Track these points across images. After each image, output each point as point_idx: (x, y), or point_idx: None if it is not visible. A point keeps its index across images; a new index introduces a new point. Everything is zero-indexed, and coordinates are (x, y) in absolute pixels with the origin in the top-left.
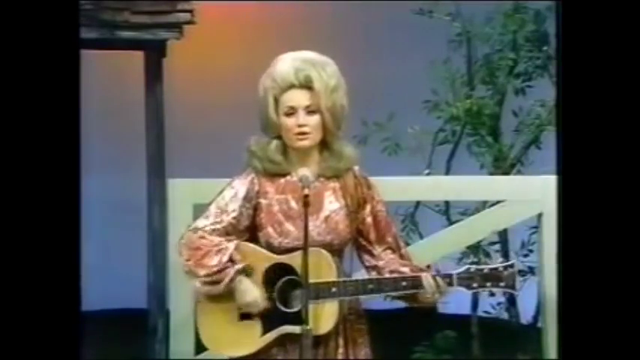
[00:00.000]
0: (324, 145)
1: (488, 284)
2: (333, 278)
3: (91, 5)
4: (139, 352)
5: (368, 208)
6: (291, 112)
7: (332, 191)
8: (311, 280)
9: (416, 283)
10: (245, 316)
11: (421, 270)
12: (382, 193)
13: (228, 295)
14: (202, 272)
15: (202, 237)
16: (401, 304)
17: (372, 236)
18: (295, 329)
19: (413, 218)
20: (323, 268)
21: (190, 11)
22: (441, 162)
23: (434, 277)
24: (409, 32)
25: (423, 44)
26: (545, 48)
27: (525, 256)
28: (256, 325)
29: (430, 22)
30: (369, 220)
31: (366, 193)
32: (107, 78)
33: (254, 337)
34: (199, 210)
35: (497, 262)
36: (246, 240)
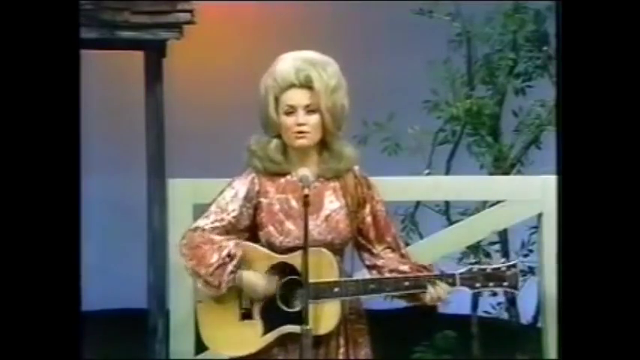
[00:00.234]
0: (324, 145)
1: (491, 284)
2: (334, 278)
3: (91, 5)
4: (139, 352)
5: (368, 207)
6: (291, 111)
7: (332, 191)
8: (312, 280)
9: (417, 283)
10: (246, 315)
11: (421, 268)
12: (382, 193)
13: (228, 294)
14: (203, 270)
15: (202, 236)
16: (401, 303)
17: (372, 235)
18: (296, 329)
19: (413, 218)
20: (324, 268)
21: (190, 11)
22: (441, 162)
23: (438, 284)
24: (409, 32)
25: (423, 44)
26: (545, 48)
27: (525, 256)
28: (257, 325)
29: (430, 22)
30: (368, 219)
31: (366, 193)
32: (107, 78)
33: (255, 337)
34: (199, 210)
35: (498, 262)
36: (247, 240)
